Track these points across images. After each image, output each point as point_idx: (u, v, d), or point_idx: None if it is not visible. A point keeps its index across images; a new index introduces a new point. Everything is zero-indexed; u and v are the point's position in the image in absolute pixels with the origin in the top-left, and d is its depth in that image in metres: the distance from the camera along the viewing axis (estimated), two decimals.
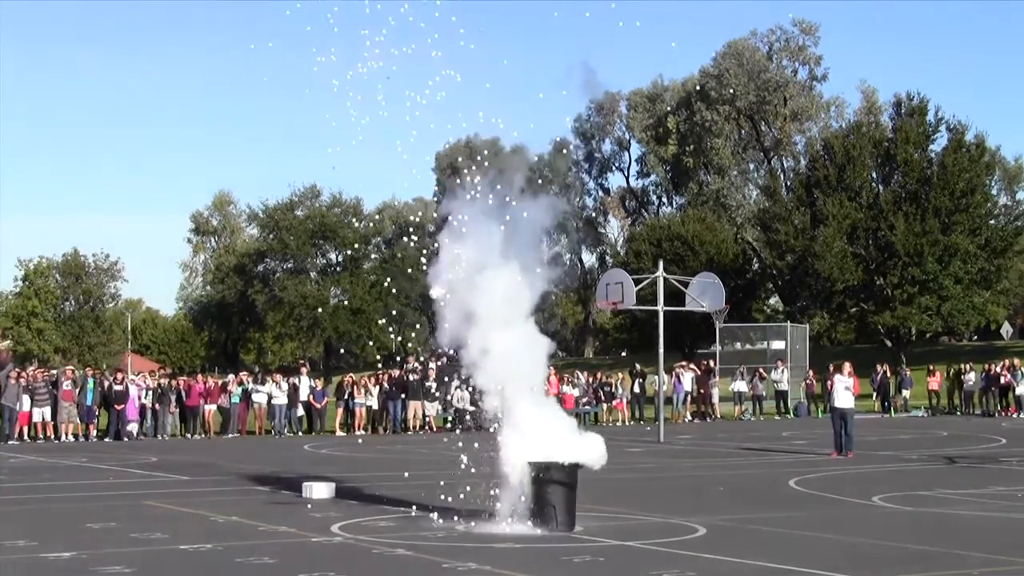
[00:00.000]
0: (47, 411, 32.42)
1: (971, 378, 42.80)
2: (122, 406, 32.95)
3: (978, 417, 40.66)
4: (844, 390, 24.41)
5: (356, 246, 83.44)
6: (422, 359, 37.01)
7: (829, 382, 26.56)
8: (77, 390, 32.83)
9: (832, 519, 14.72)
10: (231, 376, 38.04)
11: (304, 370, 38.06)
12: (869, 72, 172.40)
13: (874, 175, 60.33)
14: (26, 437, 32.18)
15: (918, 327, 58.24)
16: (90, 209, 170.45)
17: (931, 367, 45.57)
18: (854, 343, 71.33)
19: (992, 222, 58.81)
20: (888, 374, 44.85)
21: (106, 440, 32.37)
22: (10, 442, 30.86)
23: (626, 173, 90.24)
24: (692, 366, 43.36)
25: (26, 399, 32.28)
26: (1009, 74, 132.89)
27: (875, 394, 44.19)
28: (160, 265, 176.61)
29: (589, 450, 13.99)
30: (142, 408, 33.59)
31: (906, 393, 44.74)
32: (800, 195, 61.65)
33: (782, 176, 75.22)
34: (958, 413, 42.44)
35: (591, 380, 40.69)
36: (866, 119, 68.79)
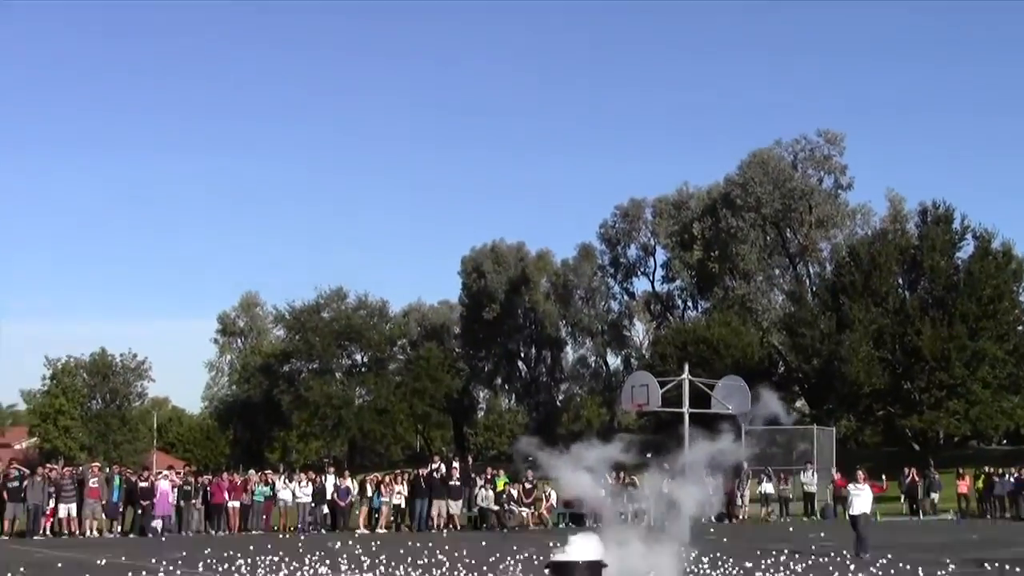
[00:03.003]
0: (72, 507, 32.63)
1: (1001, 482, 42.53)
2: (148, 503, 33.13)
3: (1008, 521, 40.25)
4: (854, 498, 25.48)
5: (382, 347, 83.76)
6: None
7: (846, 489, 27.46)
8: (105, 488, 33.10)
9: None
10: (252, 473, 38.27)
11: (331, 469, 38.35)
12: (895, 179, 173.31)
13: (900, 281, 60.42)
14: (48, 533, 32.30)
15: (946, 431, 57.84)
16: (118, 312, 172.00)
17: (960, 470, 45.18)
18: (881, 446, 70.62)
19: (1020, 328, 58.69)
20: (916, 477, 44.52)
21: (131, 536, 32.46)
22: (35, 537, 31.02)
23: (651, 278, 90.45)
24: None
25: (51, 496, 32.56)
26: None
27: (903, 496, 43.88)
28: (187, 365, 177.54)
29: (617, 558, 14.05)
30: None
31: (935, 496, 44.33)
32: (826, 300, 61.73)
33: (808, 282, 75.28)
34: (988, 517, 42.02)
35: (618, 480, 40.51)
36: (892, 227, 68.98)
